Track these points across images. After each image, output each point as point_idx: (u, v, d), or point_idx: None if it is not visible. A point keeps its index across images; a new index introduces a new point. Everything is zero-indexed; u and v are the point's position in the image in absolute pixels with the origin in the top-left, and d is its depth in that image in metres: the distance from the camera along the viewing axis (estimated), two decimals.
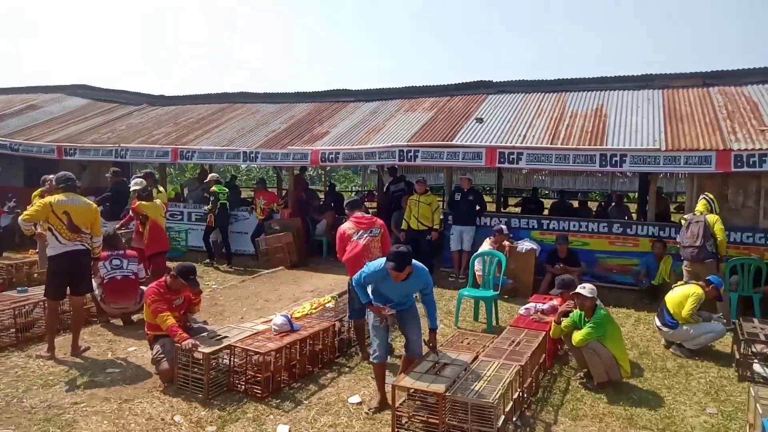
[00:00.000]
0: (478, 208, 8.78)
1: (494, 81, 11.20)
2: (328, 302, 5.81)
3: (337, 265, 9.43)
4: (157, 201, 7.52)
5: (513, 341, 4.61)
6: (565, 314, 4.79)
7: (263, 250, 9.55)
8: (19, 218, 5.10)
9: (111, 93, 15.28)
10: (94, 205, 5.26)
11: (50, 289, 5.01)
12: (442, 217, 9.16)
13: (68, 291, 5.08)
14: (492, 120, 9.31)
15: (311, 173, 20.45)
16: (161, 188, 9.54)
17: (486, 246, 7.50)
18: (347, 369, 4.92)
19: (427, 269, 4.03)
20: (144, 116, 13.37)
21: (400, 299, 4.08)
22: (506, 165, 8.19)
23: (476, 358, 4.23)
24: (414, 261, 3.86)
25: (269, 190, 12.26)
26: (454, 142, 8.46)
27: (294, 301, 6.88)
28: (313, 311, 5.50)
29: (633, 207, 12.99)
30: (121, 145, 10.97)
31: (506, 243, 7.72)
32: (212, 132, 11.33)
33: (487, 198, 12.93)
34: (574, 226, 8.39)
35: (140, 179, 8.01)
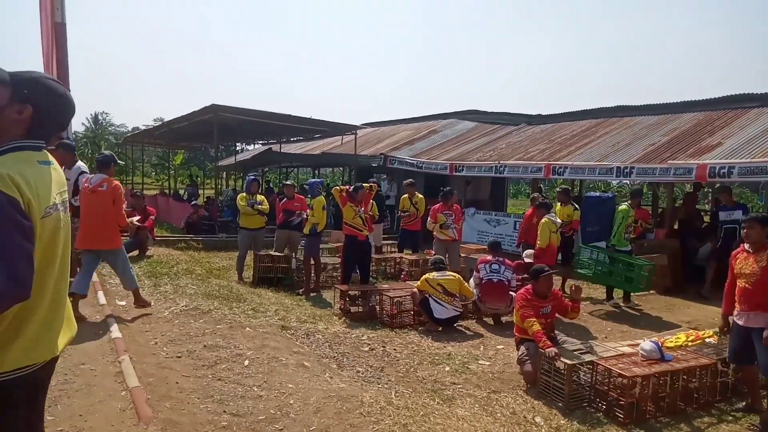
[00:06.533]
0: None
1: None
2: (709, 337, 5.09)
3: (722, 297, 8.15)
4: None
5: None
6: None
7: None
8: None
9: (494, 115, 17.01)
10: None
11: None
12: None
13: None
14: None
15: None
16: (575, 204, 9.12)
17: None
18: (730, 418, 4.24)
19: None
20: (522, 135, 14.37)
21: None
22: None
23: None
24: None
25: (643, 207, 11.43)
26: None
27: (665, 329, 6.29)
28: (689, 344, 4.93)
29: None
30: (501, 162, 12.06)
31: None
32: (585, 147, 11.33)
33: None
34: None
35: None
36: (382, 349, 5.50)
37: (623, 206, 7.55)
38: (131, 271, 5.94)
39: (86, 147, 34.54)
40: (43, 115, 1.79)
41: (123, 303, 6.12)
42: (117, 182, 5.81)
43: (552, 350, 4.37)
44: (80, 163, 6.38)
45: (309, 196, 8.51)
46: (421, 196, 9.51)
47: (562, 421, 4.02)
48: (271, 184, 20.38)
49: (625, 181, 12.96)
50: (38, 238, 1.67)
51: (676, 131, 10.48)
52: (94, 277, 6.99)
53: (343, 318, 6.67)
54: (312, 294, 7.88)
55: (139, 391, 3.71)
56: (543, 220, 7.40)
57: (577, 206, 8.67)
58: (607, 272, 7.68)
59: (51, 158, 1.87)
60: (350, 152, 16.27)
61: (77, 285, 5.38)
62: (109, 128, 49.78)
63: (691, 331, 5.47)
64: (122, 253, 5.80)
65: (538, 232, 7.41)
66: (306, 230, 8.08)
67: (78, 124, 43.44)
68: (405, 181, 9.98)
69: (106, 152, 6.85)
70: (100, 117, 48.48)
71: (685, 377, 4.35)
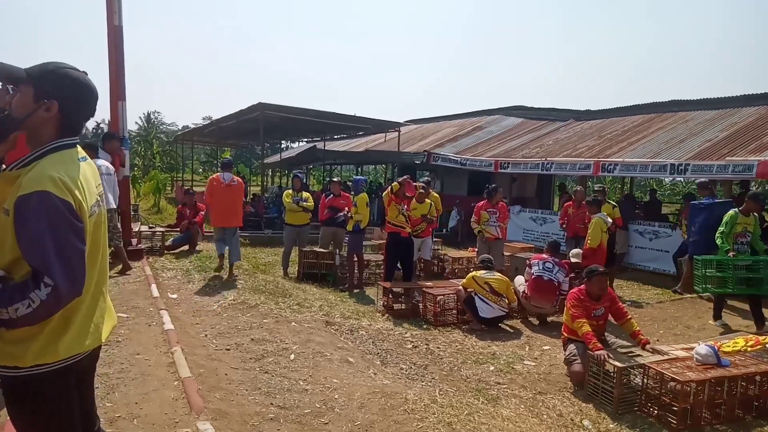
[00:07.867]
0: None
1: None
2: None
3: None
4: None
5: None
6: None
7: (688, 272, 8.65)
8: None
9: (541, 111, 16.69)
10: None
11: None
12: None
13: None
14: None
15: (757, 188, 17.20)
16: (612, 203, 8.67)
17: None
18: None
19: None
20: (569, 131, 14.03)
21: None
22: None
23: None
24: None
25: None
26: None
27: (722, 333, 6.02)
28: (749, 349, 4.70)
29: None
30: (547, 158, 11.82)
31: None
32: (637, 144, 10.97)
33: None
34: None
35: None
36: (425, 346, 5.49)
37: (731, 211, 6.56)
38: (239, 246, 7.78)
39: (139, 145, 35.89)
40: (71, 108, 1.74)
41: (175, 296, 6.34)
42: (241, 179, 7.88)
43: (602, 353, 4.26)
44: (100, 161, 6.65)
45: (353, 192, 8.56)
46: (436, 194, 9.46)
47: (611, 425, 3.91)
48: (306, 181, 20.48)
49: (678, 179, 12.47)
50: (87, 236, 1.72)
51: (736, 126, 10.01)
52: (148, 271, 7.27)
53: (386, 315, 6.68)
54: (355, 290, 7.94)
55: (191, 382, 3.83)
56: (594, 219, 7.20)
57: (615, 204, 8.42)
58: (750, 279, 6.26)
59: (84, 153, 1.86)
60: (393, 149, 16.29)
61: (220, 249, 7.56)
62: (161, 127, 51.72)
63: (750, 335, 5.22)
64: (238, 230, 7.84)
65: (589, 231, 7.21)
66: (349, 227, 8.14)
67: (131, 122, 45.39)
68: (420, 180, 9.94)
69: (229, 157, 9.02)
70: (152, 116, 50.42)
71: (743, 383, 4.15)
